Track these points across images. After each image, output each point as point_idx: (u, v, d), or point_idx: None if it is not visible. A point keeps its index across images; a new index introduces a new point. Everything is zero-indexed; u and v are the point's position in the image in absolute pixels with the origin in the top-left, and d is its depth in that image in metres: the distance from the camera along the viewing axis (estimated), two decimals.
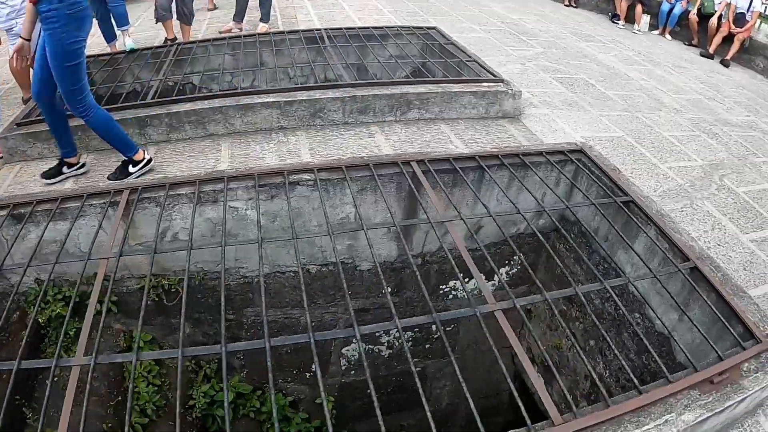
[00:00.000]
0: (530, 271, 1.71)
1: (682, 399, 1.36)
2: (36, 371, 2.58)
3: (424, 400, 1.32)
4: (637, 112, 3.93)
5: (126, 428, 1.34)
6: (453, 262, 1.68)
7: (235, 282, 2.47)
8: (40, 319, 2.41)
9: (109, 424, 2.41)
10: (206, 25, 5.72)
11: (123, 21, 3.90)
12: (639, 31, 6.60)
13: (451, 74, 3.40)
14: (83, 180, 2.69)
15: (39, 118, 2.92)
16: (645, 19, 6.61)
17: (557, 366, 2.87)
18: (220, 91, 2.98)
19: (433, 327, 2.92)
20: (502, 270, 2.87)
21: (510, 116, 3.38)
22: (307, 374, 2.94)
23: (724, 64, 5.69)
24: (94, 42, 5.05)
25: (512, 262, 2.86)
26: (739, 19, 5.80)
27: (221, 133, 2.87)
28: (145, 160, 2.52)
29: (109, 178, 2.55)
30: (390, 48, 3.90)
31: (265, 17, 5.11)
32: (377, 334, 2.80)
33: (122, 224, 2.02)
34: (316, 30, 4.15)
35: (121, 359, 1.60)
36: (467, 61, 3.65)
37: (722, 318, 1.62)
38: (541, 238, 1.88)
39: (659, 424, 1.29)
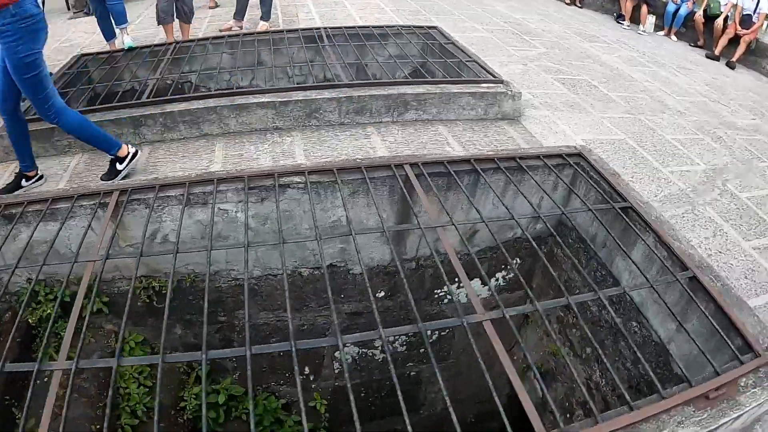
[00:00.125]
0: (522, 280, 1.67)
1: (676, 415, 1.31)
2: (26, 372, 2.58)
3: (403, 408, 1.28)
4: (639, 114, 3.87)
5: None
6: (442, 270, 1.64)
7: (227, 284, 2.44)
8: (30, 320, 2.39)
9: (98, 426, 2.40)
10: (207, 23, 5.70)
11: (121, 19, 3.88)
12: (644, 31, 6.51)
13: (450, 75, 3.36)
14: (77, 180, 2.67)
15: (33, 117, 2.91)
16: (650, 20, 6.53)
17: (554, 373, 2.83)
18: (215, 90, 2.95)
19: (429, 331, 2.89)
20: (499, 275, 2.82)
21: (510, 118, 3.33)
22: (300, 377, 2.90)
23: (730, 66, 5.61)
24: (94, 40, 5.06)
25: (509, 267, 2.82)
26: (746, 21, 5.71)
27: (216, 134, 2.84)
28: (130, 155, 2.50)
29: (102, 179, 2.53)
30: (389, 48, 3.86)
31: (265, 15, 5.09)
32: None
33: (111, 226, 2.00)
34: (315, 29, 4.11)
35: (102, 364, 1.57)
36: (467, 61, 3.60)
37: (720, 330, 1.57)
38: (534, 244, 1.83)
39: None
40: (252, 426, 1.25)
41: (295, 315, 2.62)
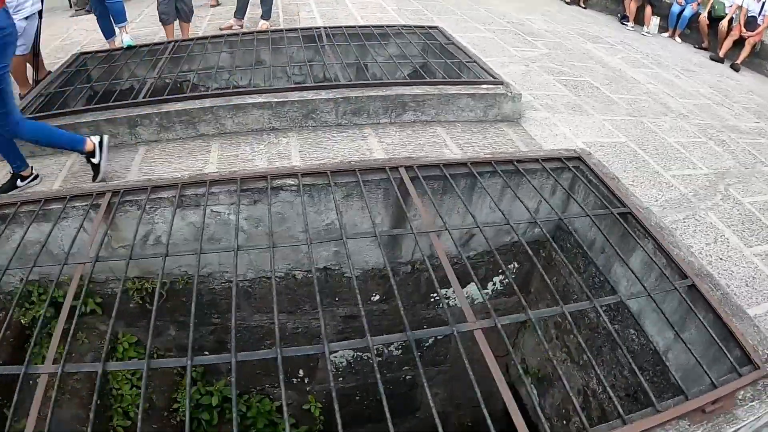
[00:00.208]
0: (515, 287, 1.63)
1: (671, 430, 1.28)
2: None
3: (388, 416, 1.25)
4: (642, 116, 3.82)
5: None
6: (434, 276, 1.61)
7: (220, 286, 2.42)
8: (23, 320, 2.38)
9: (87, 428, 2.38)
10: (207, 21, 5.68)
11: (120, 18, 3.86)
12: (648, 33, 6.45)
13: (450, 75, 3.32)
14: (73, 179, 2.66)
15: (31, 116, 2.90)
16: (654, 21, 6.46)
17: (551, 378, 2.79)
18: (212, 90, 2.93)
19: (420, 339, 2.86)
20: (496, 279, 2.79)
21: (509, 119, 3.30)
22: (294, 380, 2.89)
23: (735, 68, 5.54)
24: (95, 38, 5.04)
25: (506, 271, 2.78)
26: (751, 23, 5.64)
27: (212, 134, 2.82)
28: (95, 144, 2.45)
29: (93, 180, 2.51)
30: (389, 48, 3.83)
31: (265, 14, 5.06)
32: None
33: (102, 228, 1.98)
34: (315, 28, 4.09)
35: (87, 369, 1.55)
36: (467, 62, 3.57)
37: (718, 341, 1.53)
38: (530, 250, 1.80)
39: None
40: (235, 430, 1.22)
41: (289, 318, 2.60)
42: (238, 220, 1.76)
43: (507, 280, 2.80)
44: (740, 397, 1.38)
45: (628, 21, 6.68)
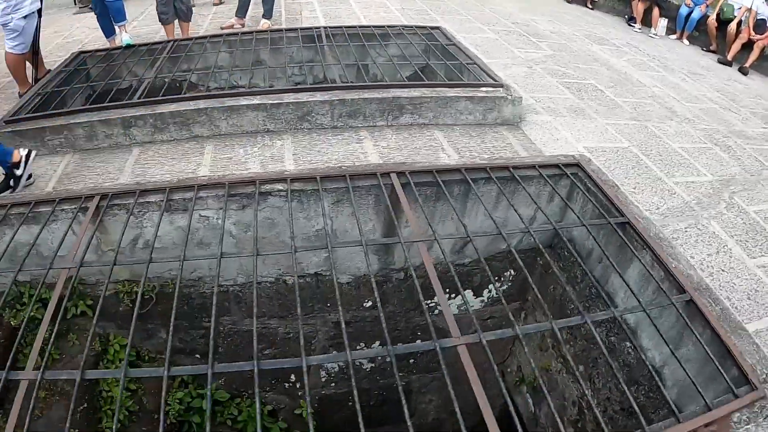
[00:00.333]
0: (504, 302, 1.59)
1: None
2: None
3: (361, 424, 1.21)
4: (646, 121, 3.74)
5: None
6: (418, 288, 1.57)
7: (211, 291, 2.39)
8: (12, 322, 2.37)
9: (76, 430, 2.37)
10: (210, 19, 5.66)
11: (119, 16, 3.85)
12: (655, 35, 6.34)
13: (449, 77, 3.27)
14: (66, 180, 2.64)
15: (27, 116, 2.90)
16: (662, 23, 6.36)
17: (546, 388, 2.74)
18: (209, 90, 2.91)
19: (419, 341, 2.82)
20: (492, 287, 2.74)
21: (509, 123, 3.24)
22: (286, 384, 2.86)
23: (743, 71, 5.43)
24: (97, 36, 5.04)
25: (502, 278, 2.74)
26: (760, 26, 5.53)
27: (206, 135, 2.79)
28: (22, 157, 2.42)
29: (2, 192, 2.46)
30: (390, 48, 3.78)
31: (267, 13, 5.03)
32: (357, 347, 2.71)
33: (89, 231, 1.96)
34: (315, 28, 4.05)
35: (66, 376, 1.53)
36: (468, 63, 3.51)
37: (715, 360, 1.48)
38: (520, 261, 1.75)
39: None
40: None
41: (280, 323, 2.58)
42: (223, 225, 1.73)
43: (503, 288, 2.75)
44: (735, 419, 1.33)
45: (635, 23, 6.58)
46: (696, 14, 6.15)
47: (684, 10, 6.23)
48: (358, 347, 2.71)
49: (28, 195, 2.24)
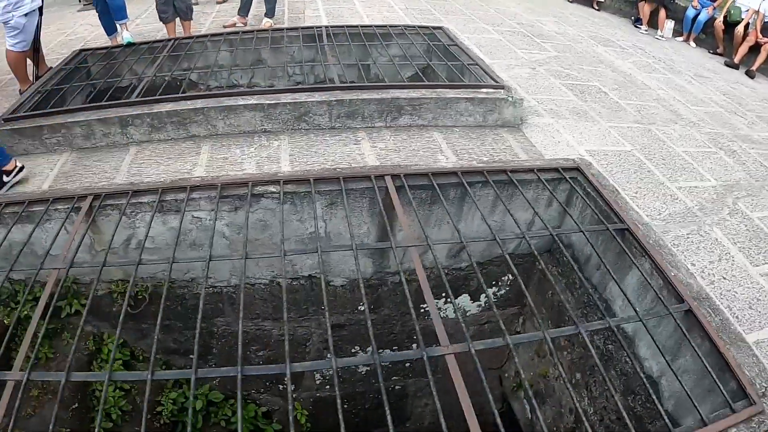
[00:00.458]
0: (495, 310, 1.55)
1: None
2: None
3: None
4: (650, 124, 3.68)
5: None
6: (409, 296, 1.54)
7: (205, 292, 2.37)
8: (6, 321, 2.37)
9: (68, 429, 2.37)
10: (212, 18, 5.65)
11: (120, 14, 3.85)
12: (662, 37, 6.27)
13: (450, 78, 3.24)
14: (63, 178, 2.63)
15: (26, 114, 2.89)
16: (669, 25, 6.28)
17: (543, 395, 2.71)
18: (207, 89, 2.89)
19: (415, 345, 2.79)
20: (490, 290, 2.71)
21: (510, 125, 3.20)
22: (281, 386, 2.84)
23: (750, 75, 5.35)
24: (99, 34, 5.05)
25: (500, 283, 2.70)
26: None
27: (203, 135, 2.78)
28: (17, 168, 2.42)
29: None
30: (391, 48, 3.75)
31: (269, 12, 5.01)
32: (352, 350, 2.69)
33: (81, 231, 1.95)
34: (317, 27, 4.02)
35: (52, 378, 1.52)
36: (469, 64, 3.48)
37: (713, 372, 1.44)
38: (514, 269, 1.71)
39: None
40: None
41: (274, 325, 2.56)
42: (214, 227, 1.71)
43: (500, 292, 2.71)
44: None
45: (641, 24, 6.50)
46: (703, 16, 6.07)
47: (691, 12, 6.15)
48: (353, 350, 2.69)
49: (22, 194, 2.23)
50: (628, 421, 1.28)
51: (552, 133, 3.25)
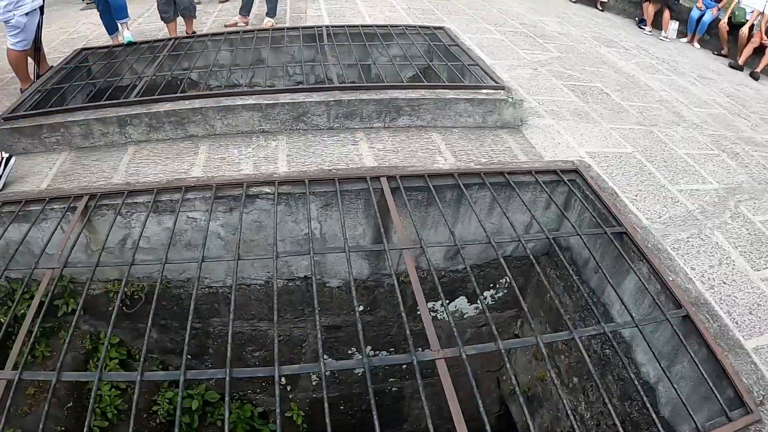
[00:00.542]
0: (487, 314, 1.54)
1: None
2: None
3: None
4: (652, 125, 3.65)
5: None
6: (400, 299, 1.52)
7: (201, 292, 2.37)
8: (2, 319, 2.37)
9: (63, 428, 2.37)
10: (215, 17, 5.66)
11: (121, 14, 3.86)
12: (666, 37, 6.22)
13: (450, 78, 3.22)
14: (61, 178, 2.64)
15: (25, 113, 2.90)
16: (673, 26, 6.23)
17: (540, 399, 2.69)
18: (206, 89, 2.89)
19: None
20: (487, 293, 2.69)
21: (510, 126, 3.18)
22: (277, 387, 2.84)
23: (754, 77, 5.30)
24: (102, 32, 5.06)
25: (498, 285, 2.68)
26: None
27: (201, 135, 2.77)
28: (3, 159, 2.36)
29: None
30: (391, 49, 3.74)
31: (271, 12, 5.01)
32: (349, 351, 2.68)
33: (76, 231, 1.95)
34: (317, 27, 4.02)
35: (42, 377, 1.52)
36: (470, 64, 3.46)
37: (709, 380, 1.42)
38: (508, 272, 1.70)
39: None
40: None
41: (270, 326, 2.55)
42: (207, 228, 1.70)
43: (498, 294, 2.70)
44: None
45: (645, 25, 6.45)
46: (707, 17, 6.02)
47: (695, 13, 6.10)
48: (349, 351, 2.68)
49: (19, 193, 2.24)
50: (620, 429, 1.27)
51: (552, 135, 3.22)
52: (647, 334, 1.71)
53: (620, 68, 4.79)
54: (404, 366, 2.91)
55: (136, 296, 2.36)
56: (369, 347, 2.69)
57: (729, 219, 2.66)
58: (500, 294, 2.72)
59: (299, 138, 2.79)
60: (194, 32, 4.72)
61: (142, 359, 1.40)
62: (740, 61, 5.50)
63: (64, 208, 2.03)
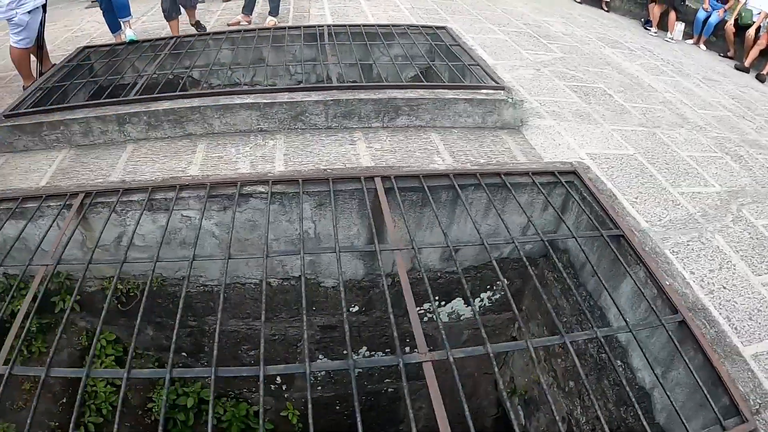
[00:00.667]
0: (477, 317, 1.52)
1: None
2: None
3: None
4: (655, 127, 3.61)
5: None
6: (389, 301, 1.51)
7: (196, 290, 2.38)
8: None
9: (57, 423, 2.38)
10: (218, 16, 5.67)
11: (123, 12, 3.87)
12: (672, 39, 6.15)
13: (451, 78, 3.20)
14: (61, 175, 2.65)
15: (26, 111, 2.92)
16: (679, 27, 6.16)
17: (537, 402, 2.66)
18: (206, 87, 2.89)
19: (408, 349, 2.76)
20: (484, 295, 2.67)
21: (510, 127, 3.15)
22: (272, 386, 2.84)
23: (760, 79, 5.23)
24: (105, 31, 5.09)
25: (494, 287, 2.66)
26: None
27: (199, 134, 2.78)
28: None
29: None
30: (393, 48, 3.73)
31: (273, 11, 5.01)
32: (344, 351, 2.66)
33: (71, 228, 1.95)
34: (319, 26, 4.01)
35: (33, 373, 1.52)
36: (471, 65, 3.44)
37: (704, 387, 1.39)
38: (502, 277, 1.68)
39: None
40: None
41: (266, 325, 2.54)
42: (200, 226, 1.70)
43: (495, 296, 2.68)
44: None
45: (651, 26, 6.39)
46: (713, 19, 5.95)
47: (701, 15, 6.04)
48: (344, 351, 2.66)
49: (17, 190, 2.25)
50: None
51: (553, 136, 3.20)
52: (643, 340, 1.69)
53: (624, 69, 4.74)
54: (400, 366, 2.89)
55: (132, 294, 2.37)
56: (365, 347, 2.68)
57: (731, 222, 2.62)
58: (497, 296, 2.70)
59: (297, 137, 2.78)
60: (198, 21, 4.75)
61: (129, 357, 1.40)
62: (746, 63, 5.44)
63: (60, 205, 2.04)
